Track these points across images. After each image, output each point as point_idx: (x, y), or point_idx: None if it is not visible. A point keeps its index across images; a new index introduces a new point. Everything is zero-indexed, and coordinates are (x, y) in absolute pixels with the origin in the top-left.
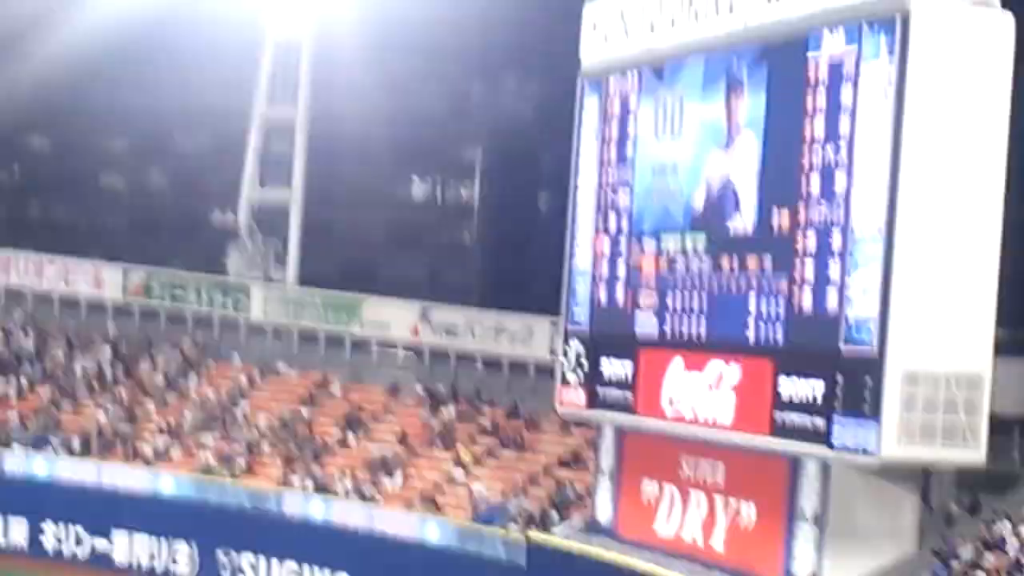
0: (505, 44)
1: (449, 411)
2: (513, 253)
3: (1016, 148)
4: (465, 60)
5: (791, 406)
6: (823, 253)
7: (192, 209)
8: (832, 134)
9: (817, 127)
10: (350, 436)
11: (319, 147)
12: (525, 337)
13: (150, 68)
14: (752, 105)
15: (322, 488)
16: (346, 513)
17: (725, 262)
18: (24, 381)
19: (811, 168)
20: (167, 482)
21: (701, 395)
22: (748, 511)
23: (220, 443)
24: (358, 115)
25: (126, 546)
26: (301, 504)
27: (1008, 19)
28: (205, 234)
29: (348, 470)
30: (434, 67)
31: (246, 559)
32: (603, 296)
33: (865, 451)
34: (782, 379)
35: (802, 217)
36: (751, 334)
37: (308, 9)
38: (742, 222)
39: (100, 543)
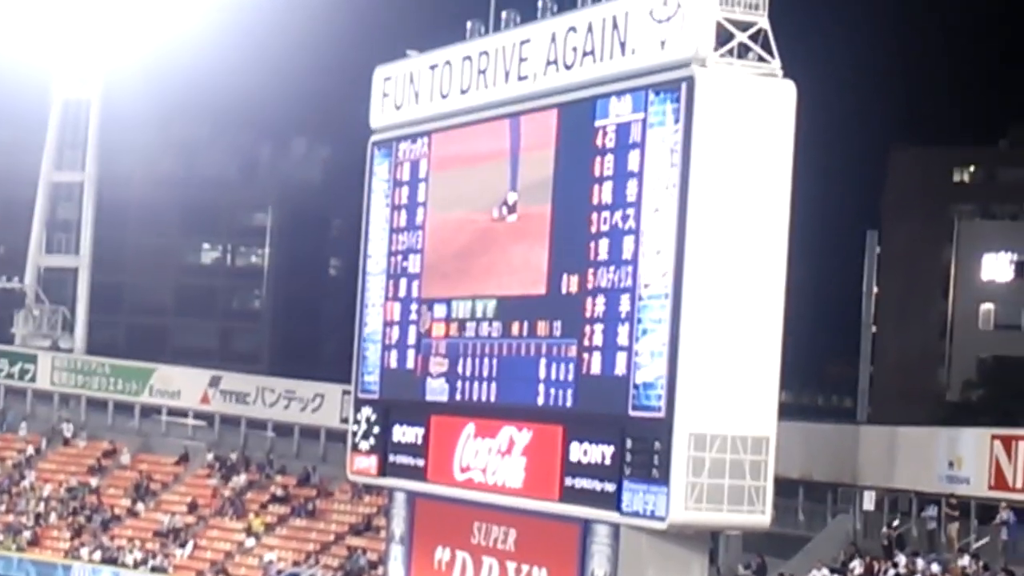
0: (295, 108)
1: (240, 479)
2: (304, 319)
3: (797, 212)
4: (254, 124)
5: (581, 471)
6: (612, 318)
7: None
8: (620, 200)
9: (605, 193)
10: (139, 506)
11: (107, 212)
12: (316, 404)
13: None
14: (541, 171)
15: (111, 559)
16: None
17: (515, 327)
18: None
19: (600, 233)
20: None
21: (492, 461)
22: None
23: (5, 515)
24: (147, 179)
25: None
26: (90, 575)
27: (790, 87)
28: None
29: (137, 540)
30: (223, 131)
31: None
32: (394, 362)
33: (654, 515)
34: (573, 444)
35: (591, 282)
36: (541, 399)
37: (96, 69)
38: (532, 287)
39: None
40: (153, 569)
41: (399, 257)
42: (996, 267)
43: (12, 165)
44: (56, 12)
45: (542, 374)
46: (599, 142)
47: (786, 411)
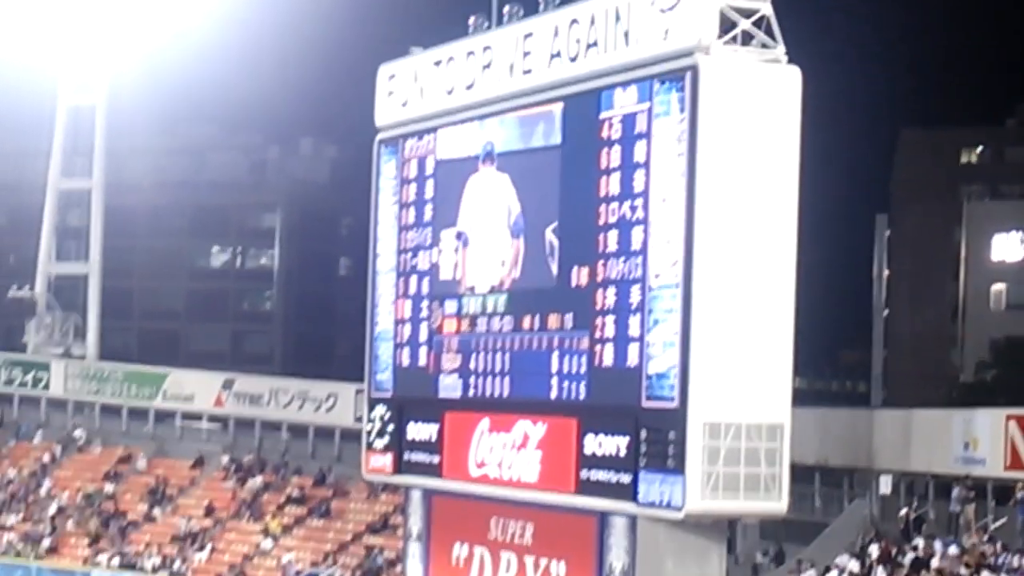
0: (300, 109)
1: (256, 481)
2: (315, 319)
3: (806, 198)
4: (260, 126)
5: (597, 463)
6: (623, 309)
7: None
8: (628, 191)
9: (613, 184)
10: (156, 511)
11: (116, 218)
12: (330, 404)
13: None
14: (549, 163)
15: (129, 565)
16: None
17: (526, 321)
18: None
19: (608, 225)
20: None
21: (508, 456)
22: (558, 570)
23: (23, 523)
24: (154, 183)
25: None
26: None
27: (795, 72)
28: (2, 310)
29: (156, 545)
30: (229, 133)
31: None
32: (406, 360)
33: (670, 505)
34: (587, 436)
35: (601, 274)
36: (555, 393)
37: (100, 74)
38: (542, 280)
39: None
40: (172, 574)
41: (408, 255)
42: (1006, 247)
43: (20, 173)
44: (58, 18)
45: (555, 367)
46: (605, 133)
47: (800, 397)
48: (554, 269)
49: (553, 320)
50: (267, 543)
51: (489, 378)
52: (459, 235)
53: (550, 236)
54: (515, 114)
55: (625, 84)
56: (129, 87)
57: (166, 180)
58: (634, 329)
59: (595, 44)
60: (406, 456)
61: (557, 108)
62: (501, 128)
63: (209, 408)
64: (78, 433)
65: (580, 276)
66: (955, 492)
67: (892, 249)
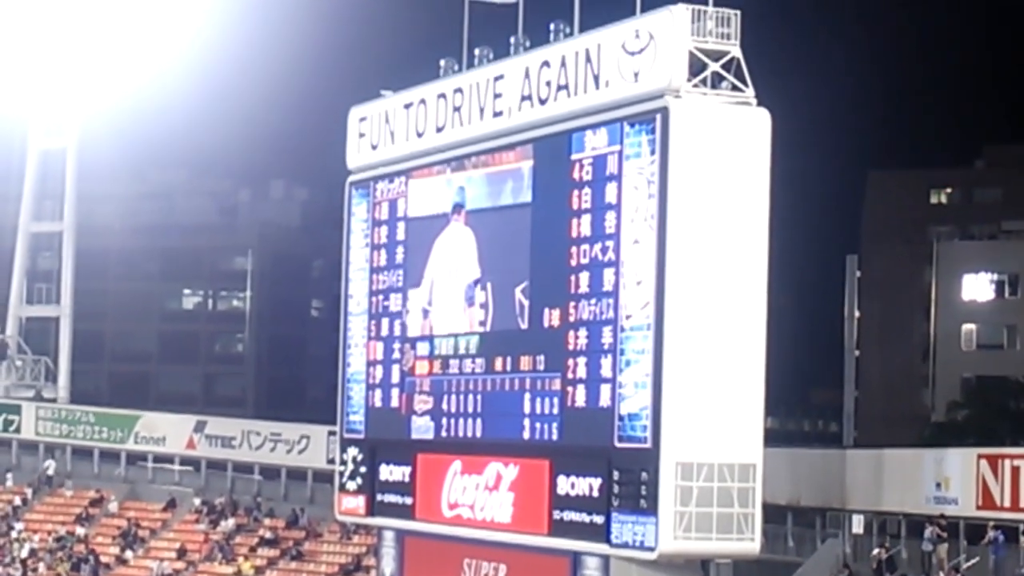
0: (271, 152)
1: (228, 523)
2: (287, 361)
3: (776, 239)
4: (231, 169)
5: (569, 504)
6: (594, 351)
7: None
8: (599, 232)
9: (584, 226)
10: (128, 553)
11: (87, 261)
12: (302, 446)
13: None
14: (519, 206)
15: None
16: None
17: (498, 363)
18: None
19: (580, 266)
20: None
21: (480, 497)
22: None
23: None
24: (125, 227)
25: None
26: None
27: (765, 115)
28: None
29: None
30: (199, 177)
31: None
32: (379, 401)
33: (643, 546)
34: (560, 478)
35: (573, 315)
36: (527, 434)
37: (71, 118)
38: (514, 323)
39: None
40: None
41: (380, 296)
42: (976, 287)
43: None
44: (29, 63)
45: (527, 408)
46: (576, 175)
47: (772, 437)
48: (524, 325)
49: (525, 362)
50: None
51: (461, 419)
52: (430, 284)
53: (519, 296)
54: (486, 157)
55: (596, 126)
56: (100, 131)
57: (137, 224)
58: (606, 370)
59: (565, 86)
60: (379, 497)
61: (528, 150)
62: (470, 186)
63: (181, 450)
64: (49, 463)
65: (552, 318)
66: (927, 532)
67: (863, 289)
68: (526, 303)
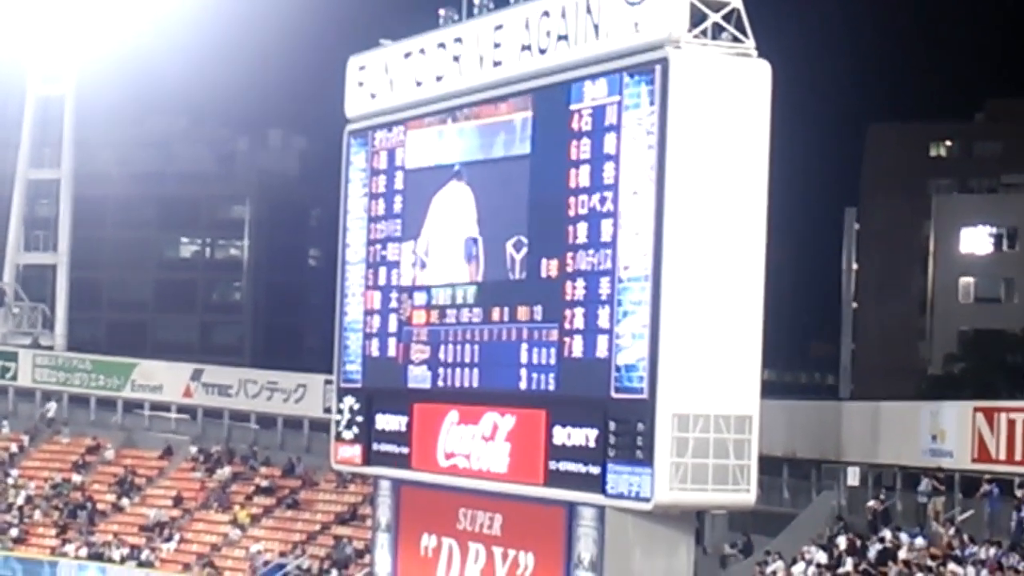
0: (270, 100)
1: (224, 472)
2: (285, 310)
3: (775, 191)
4: (230, 117)
5: (565, 454)
6: (592, 301)
7: None
8: (597, 183)
9: (582, 176)
10: (124, 501)
11: (84, 209)
12: (299, 395)
13: None
14: (518, 157)
15: (97, 555)
16: None
17: (496, 313)
18: None
19: (578, 217)
20: None
21: (476, 447)
22: (527, 561)
23: None
24: (123, 175)
25: None
26: (76, 572)
27: (765, 67)
28: None
29: (124, 535)
30: (198, 125)
31: None
32: (376, 351)
33: (639, 496)
34: (556, 428)
35: (570, 266)
36: (524, 384)
37: (69, 65)
38: (511, 272)
39: None
40: (140, 564)
41: (378, 246)
42: (975, 240)
43: None
44: (27, 9)
45: (524, 359)
46: (575, 125)
47: (769, 389)
48: (514, 277)
49: (522, 312)
50: (235, 533)
51: (458, 369)
52: (429, 237)
53: (510, 250)
54: (485, 107)
55: (595, 77)
56: (98, 78)
57: (135, 171)
58: (603, 321)
59: (565, 37)
60: (375, 447)
61: (527, 100)
62: (467, 138)
63: (178, 399)
64: (51, 412)
65: (549, 268)
66: (922, 484)
67: (861, 242)
68: (517, 256)
